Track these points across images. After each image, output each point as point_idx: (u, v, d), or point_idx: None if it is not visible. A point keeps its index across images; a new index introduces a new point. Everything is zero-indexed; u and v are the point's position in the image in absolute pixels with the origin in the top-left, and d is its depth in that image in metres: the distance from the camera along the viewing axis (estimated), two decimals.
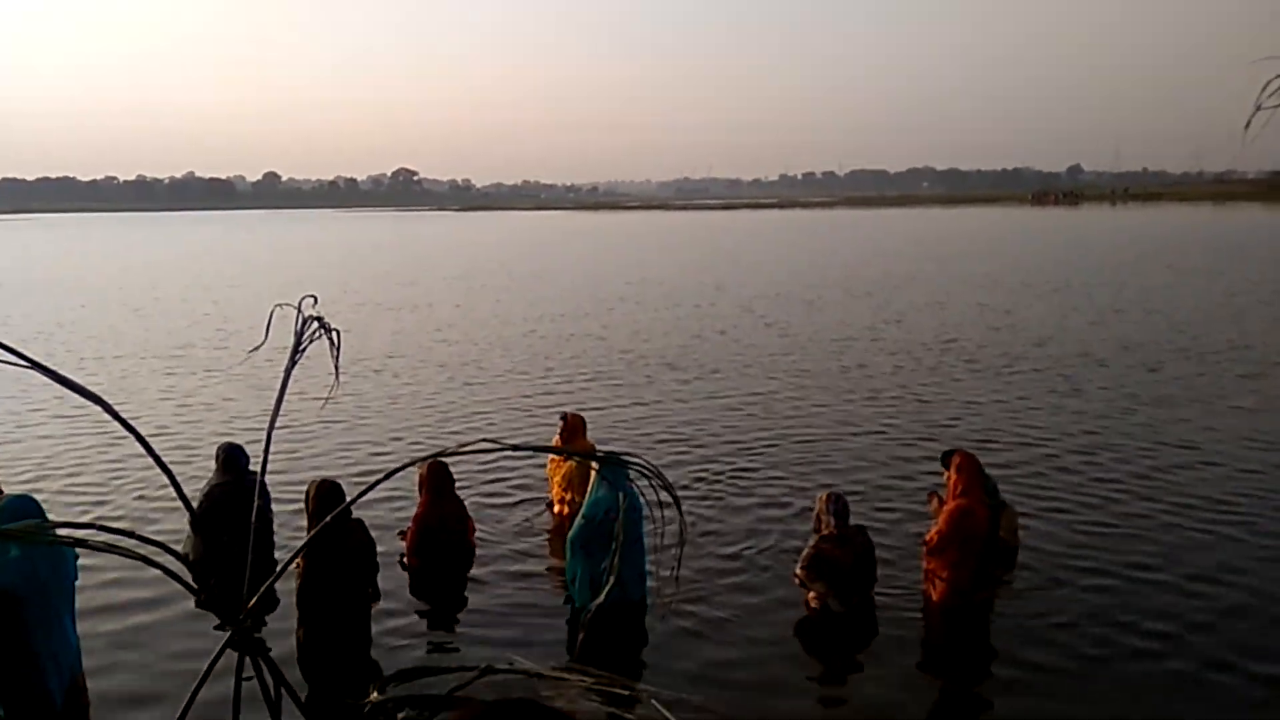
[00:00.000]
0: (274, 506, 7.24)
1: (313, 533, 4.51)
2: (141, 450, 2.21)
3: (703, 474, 8.99)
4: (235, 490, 6.59)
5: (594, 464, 5.42)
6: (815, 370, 14.25)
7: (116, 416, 2.13)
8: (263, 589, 2.12)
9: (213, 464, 7.00)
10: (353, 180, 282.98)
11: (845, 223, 72.96)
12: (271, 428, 2.46)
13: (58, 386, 2.10)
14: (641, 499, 5.19)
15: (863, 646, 5.81)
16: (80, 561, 4.77)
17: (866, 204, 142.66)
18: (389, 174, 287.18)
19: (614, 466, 5.05)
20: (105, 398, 2.14)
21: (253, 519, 2.68)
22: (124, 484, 8.80)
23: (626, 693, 1.81)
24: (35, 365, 2.07)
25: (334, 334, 2.53)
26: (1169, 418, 10.84)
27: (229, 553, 5.54)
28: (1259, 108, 2.19)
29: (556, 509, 7.80)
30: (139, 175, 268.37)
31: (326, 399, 7.45)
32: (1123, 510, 7.83)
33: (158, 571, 2.00)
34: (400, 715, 1.73)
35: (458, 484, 7.23)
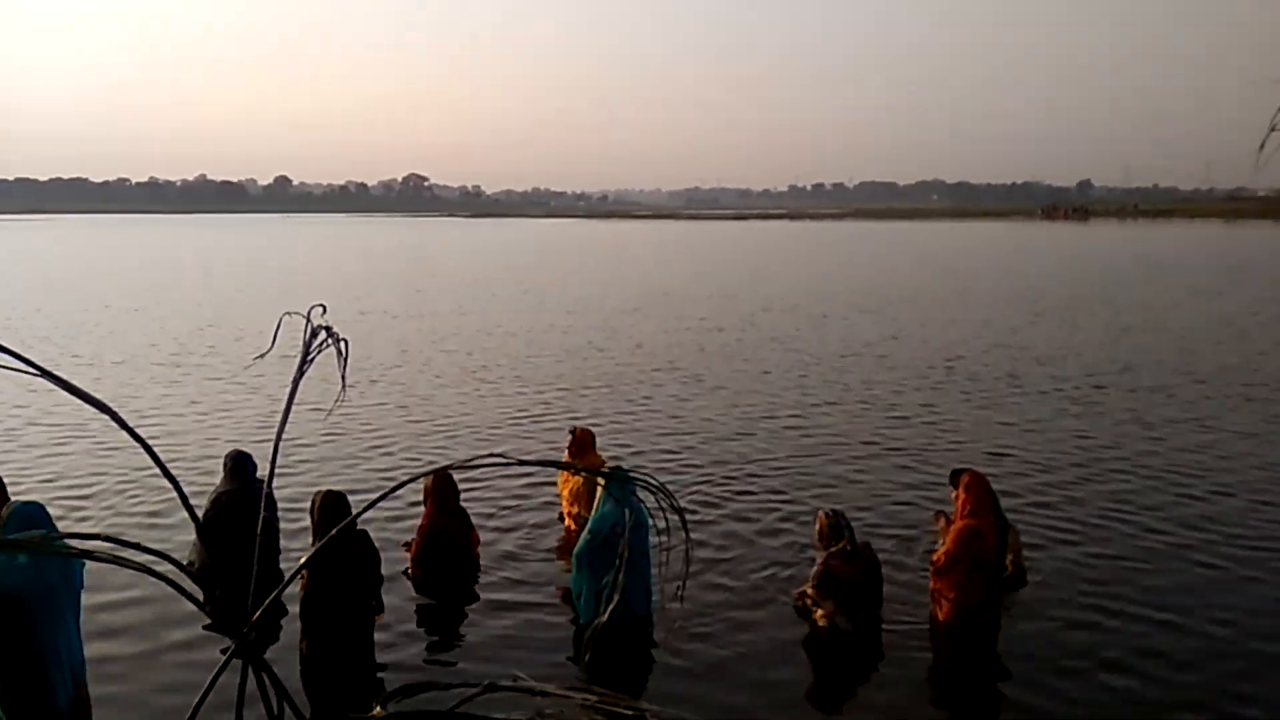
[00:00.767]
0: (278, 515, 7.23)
1: (317, 545, 4.49)
2: (148, 457, 2.20)
3: (708, 488, 8.95)
4: (242, 497, 6.59)
5: (600, 479, 5.40)
6: (822, 384, 14.23)
7: (124, 425, 2.13)
8: (266, 602, 2.11)
9: (218, 473, 7.00)
10: (363, 185, 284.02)
11: (856, 235, 72.88)
12: (279, 438, 2.45)
13: (63, 393, 2.10)
14: (648, 514, 5.19)
15: (869, 666, 5.76)
16: (87, 568, 4.77)
17: (876, 216, 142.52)
18: (400, 179, 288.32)
19: (620, 481, 5.04)
20: (112, 405, 2.14)
21: (258, 530, 2.67)
22: (130, 491, 8.80)
23: (630, 712, 1.80)
24: (44, 373, 2.07)
25: (343, 343, 2.52)
26: (1183, 444, 10.72)
27: (235, 561, 5.54)
28: (1274, 128, 2.18)
29: (565, 523, 7.78)
30: (151, 177, 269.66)
31: (330, 410, 7.44)
32: (1130, 535, 7.75)
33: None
34: None
35: (463, 495, 7.21)
